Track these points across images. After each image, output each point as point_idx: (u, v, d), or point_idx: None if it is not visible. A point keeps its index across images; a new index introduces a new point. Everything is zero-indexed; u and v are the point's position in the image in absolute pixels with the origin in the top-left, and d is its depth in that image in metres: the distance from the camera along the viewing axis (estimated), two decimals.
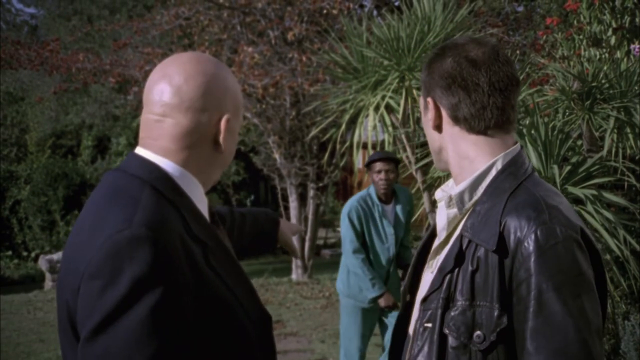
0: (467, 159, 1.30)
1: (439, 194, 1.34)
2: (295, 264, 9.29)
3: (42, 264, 9.72)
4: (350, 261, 4.06)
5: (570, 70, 3.35)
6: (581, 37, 3.54)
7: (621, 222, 2.94)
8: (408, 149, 4.41)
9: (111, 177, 1.22)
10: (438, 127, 1.33)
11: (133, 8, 15.87)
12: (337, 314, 7.00)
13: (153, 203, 1.14)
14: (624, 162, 3.10)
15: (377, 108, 4.16)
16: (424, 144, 4.11)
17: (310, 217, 9.47)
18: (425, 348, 1.24)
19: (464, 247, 1.24)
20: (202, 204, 1.25)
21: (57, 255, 9.69)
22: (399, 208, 4.18)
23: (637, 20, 3.64)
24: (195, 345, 1.12)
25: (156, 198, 1.15)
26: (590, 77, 3.16)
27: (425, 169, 4.21)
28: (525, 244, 1.16)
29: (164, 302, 1.06)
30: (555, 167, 2.94)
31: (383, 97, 4.13)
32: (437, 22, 4.14)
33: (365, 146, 5.56)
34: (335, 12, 7.63)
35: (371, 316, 4.15)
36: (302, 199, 9.53)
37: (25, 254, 11.95)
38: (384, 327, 4.21)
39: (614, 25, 3.62)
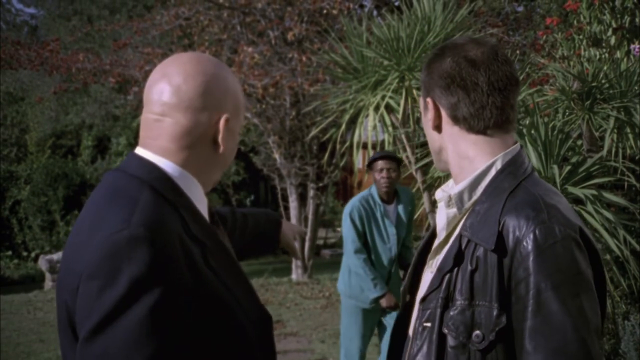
0: (466, 159, 1.30)
1: (439, 194, 1.35)
2: (295, 264, 9.29)
3: (42, 264, 9.72)
4: (352, 261, 4.05)
5: (570, 70, 3.35)
6: (581, 37, 3.54)
7: (621, 222, 2.94)
8: (408, 149, 4.41)
9: (111, 177, 1.22)
10: (438, 127, 1.33)
11: (133, 8, 15.87)
12: (337, 314, 7.00)
13: (152, 203, 1.14)
14: (624, 162, 3.10)
15: (377, 108, 4.16)
16: (424, 144, 4.11)
17: (310, 217, 9.47)
18: (424, 347, 1.24)
19: (463, 246, 1.24)
20: (201, 204, 1.25)
21: (57, 255, 9.69)
22: (400, 208, 4.17)
23: (637, 20, 3.64)
24: (194, 345, 1.12)
25: (155, 198, 1.15)
26: (590, 77, 3.16)
27: (425, 169, 4.21)
28: (524, 243, 1.16)
29: (162, 302, 1.06)
30: (555, 167, 2.94)
31: (383, 97, 4.13)
32: (437, 22, 4.14)
33: (365, 146, 5.57)
34: (335, 12, 7.63)
35: (372, 317, 4.14)
36: (302, 199, 9.53)
37: (25, 254, 11.95)
38: (382, 329, 4.20)
39: (614, 25, 3.62)
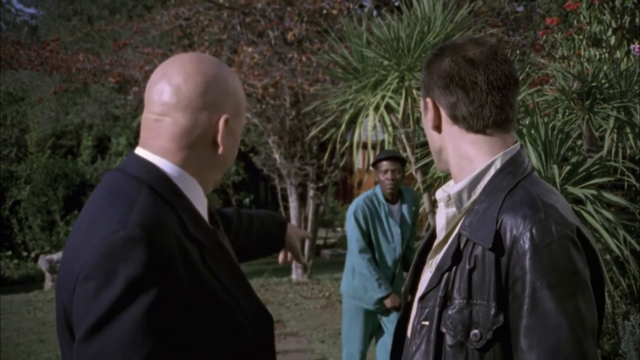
0: (466, 158, 1.30)
1: (439, 193, 1.35)
2: (295, 264, 9.29)
3: (42, 264, 9.72)
4: (356, 261, 4.03)
5: (570, 70, 3.35)
6: (581, 37, 3.54)
7: (621, 222, 2.94)
8: (408, 149, 4.40)
9: (111, 177, 1.23)
10: (438, 127, 1.33)
11: (133, 8, 15.88)
12: (337, 314, 6.99)
13: (149, 203, 1.14)
14: (624, 162, 3.10)
15: (377, 108, 4.16)
16: (424, 144, 4.11)
17: (310, 217, 9.47)
18: (423, 346, 1.25)
19: (461, 245, 1.24)
20: (200, 204, 1.25)
21: (57, 255, 9.69)
22: (405, 208, 4.15)
23: (637, 20, 3.64)
24: (191, 345, 1.12)
25: (153, 198, 1.15)
26: (590, 77, 3.16)
27: (425, 169, 4.21)
28: (521, 242, 1.16)
29: (159, 303, 1.06)
30: (555, 167, 2.94)
31: (383, 97, 4.13)
32: (437, 22, 4.14)
33: (365, 146, 5.57)
34: (335, 12, 7.63)
35: (373, 318, 4.13)
36: (302, 199, 9.54)
37: (25, 254, 11.95)
38: (380, 332, 4.19)
39: (614, 25, 3.62)
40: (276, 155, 9.17)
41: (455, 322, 1.20)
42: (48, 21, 17.85)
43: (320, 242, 12.58)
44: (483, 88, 1.26)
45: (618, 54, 3.58)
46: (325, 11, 7.86)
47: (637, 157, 3.35)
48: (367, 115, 4.25)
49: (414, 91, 4.05)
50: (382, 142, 4.45)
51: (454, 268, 1.23)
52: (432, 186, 4.14)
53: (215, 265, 1.20)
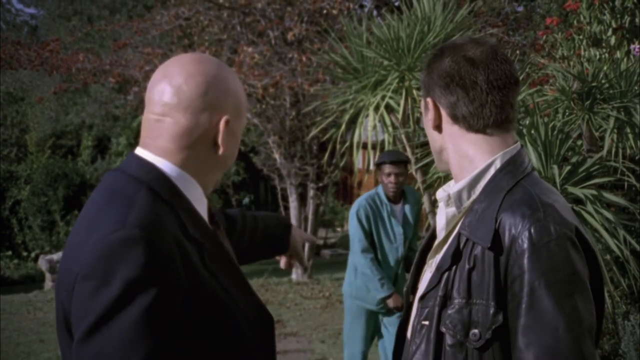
0: (466, 158, 1.30)
1: (440, 193, 1.35)
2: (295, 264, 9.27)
3: (42, 264, 9.72)
4: (358, 260, 4.01)
5: (570, 70, 3.35)
6: (581, 37, 3.54)
7: (621, 222, 2.94)
8: (408, 149, 4.41)
9: (110, 177, 1.23)
10: (438, 127, 1.33)
11: (133, 8, 15.88)
12: (337, 314, 7.00)
13: (148, 204, 1.14)
14: (624, 162, 3.10)
15: (377, 108, 4.16)
16: (424, 144, 4.11)
17: (310, 217, 9.47)
18: (423, 346, 1.25)
19: (461, 245, 1.24)
20: (200, 204, 1.25)
21: (57, 255, 9.69)
22: (407, 208, 4.14)
23: (637, 20, 3.64)
24: (190, 345, 1.12)
25: (152, 199, 1.15)
26: (590, 77, 3.16)
27: (425, 169, 4.21)
28: (519, 241, 1.16)
29: (157, 303, 1.06)
30: (555, 167, 2.94)
31: (383, 97, 4.13)
32: (437, 22, 4.14)
33: (365, 146, 5.57)
34: (335, 12, 7.63)
35: (375, 318, 4.12)
36: (302, 199, 9.54)
37: (25, 254, 11.95)
38: (381, 334, 4.18)
39: (614, 25, 3.62)
40: (276, 155, 9.17)
41: (455, 322, 1.20)
42: (48, 21, 17.85)
43: (320, 242, 12.58)
44: (483, 88, 1.26)
45: (618, 54, 3.58)
46: (325, 11, 7.86)
47: (637, 157, 3.35)
48: (367, 116, 4.25)
49: (414, 91, 4.05)
50: (382, 142, 4.45)
51: (454, 268, 1.24)
52: (432, 186, 4.14)
53: (215, 265, 1.20)
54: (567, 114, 3.21)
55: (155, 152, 1.22)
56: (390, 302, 3.96)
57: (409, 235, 4.14)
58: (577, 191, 2.87)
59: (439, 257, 1.32)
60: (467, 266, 1.21)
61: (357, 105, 4.34)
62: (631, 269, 3.05)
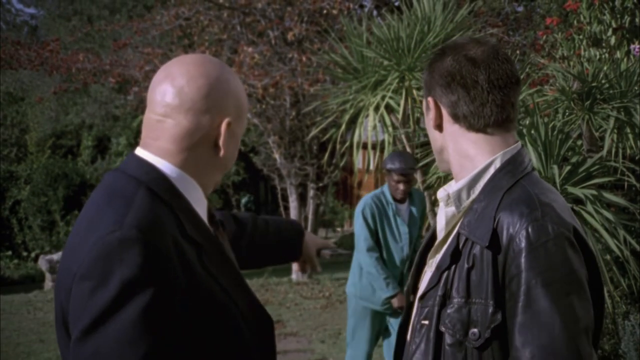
0: (467, 157, 1.30)
1: (440, 193, 1.35)
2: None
3: (42, 264, 9.72)
4: (363, 259, 3.99)
5: (570, 70, 3.35)
6: (581, 37, 3.54)
7: (621, 222, 2.94)
8: (408, 149, 4.41)
9: (110, 177, 1.23)
10: (439, 127, 1.33)
11: (133, 8, 15.89)
12: (337, 314, 7.00)
13: (146, 204, 1.14)
14: (624, 162, 3.10)
15: (377, 108, 4.16)
16: (424, 144, 4.11)
17: (310, 217, 9.48)
18: (422, 345, 1.25)
19: (460, 245, 1.24)
20: (200, 205, 1.25)
21: (57, 255, 9.69)
22: (413, 207, 4.12)
23: (637, 20, 3.64)
24: (188, 345, 1.12)
25: (150, 199, 1.15)
26: (590, 77, 3.16)
27: (425, 169, 4.21)
28: (517, 240, 1.16)
29: (154, 303, 1.06)
30: (555, 167, 2.94)
31: (383, 97, 4.13)
32: (437, 22, 4.14)
33: (365, 146, 5.57)
34: (335, 12, 7.64)
35: (380, 318, 4.10)
36: (302, 199, 9.54)
37: (25, 254, 11.96)
38: (387, 333, 4.16)
39: (614, 25, 3.62)
40: (276, 155, 9.18)
41: (454, 321, 1.21)
42: (48, 21, 17.86)
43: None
44: (484, 87, 1.26)
45: (618, 54, 3.58)
46: (325, 11, 7.87)
47: (637, 157, 3.35)
48: (367, 116, 4.25)
49: (414, 91, 4.06)
50: (382, 142, 4.45)
51: (453, 267, 1.24)
52: (431, 186, 4.14)
53: (213, 266, 1.20)
54: (567, 114, 3.21)
55: (155, 153, 1.22)
56: (395, 302, 3.94)
57: (415, 234, 4.12)
58: (577, 191, 2.87)
59: (438, 256, 1.33)
60: (466, 265, 1.21)
61: (357, 105, 4.34)
62: (631, 269, 3.05)
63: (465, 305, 1.20)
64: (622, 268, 3.32)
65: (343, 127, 4.54)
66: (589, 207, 2.83)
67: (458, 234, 1.26)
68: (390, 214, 4.04)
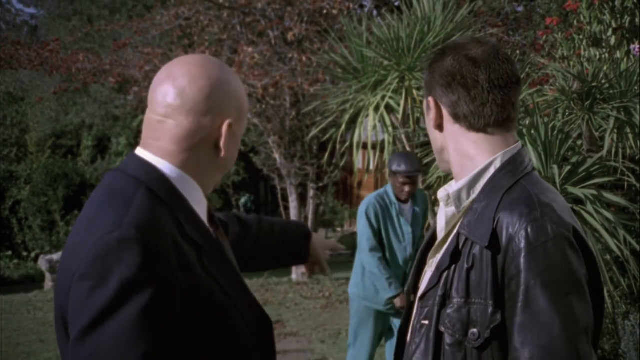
0: (467, 157, 1.30)
1: (441, 193, 1.35)
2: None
3: (42, 264, 9.72)
4: (366, 259, 3.98)
5: (570, 70, 3.35)
6: (581, 37, 3.54)
7: (621, 222, 2.95)
8: (408, 149, 4.41)
9: (110, 177, 1.23)
10: (439, 127, 1.33)
11: (133, 8, 15.88)
12: (337, 314, 7.00)
13: (146, 204, 1.14)
14: (624, 162, 3.10)
15: (377, 108, 4.17)
16: (424, 144, 4.11)
17: (310, 217, 9.48)
18: (422, 345, 1.25)
19: (460, 245, 1.24)
20: (200, 206, 1.25)
21: (57, 256, 9.69)
22: (416, 208, 4.12)
23: (637, 20, 3.64)
24: (187, 345, 1.12)
25: (150, 199, 1.16)
26: (590, 77, 3.16)
27: (425, 169, 4.21)
28: (516, 240, 1.16)
29: (153, 303, 1.06)
30: (555, 167, 2.94)
31: (383, 97, 4.14)
32: (437, 22, 4.15)
33: (365, 146, 5.57)
34: (335, 12, 7.64)
35: (384, 319, 4.10)
36: (302, 199, 9.54)
37: (25, 254, 11.95)
38: (390, 334, 4.15)
39: (614, 25, 3.62)
40: (276, 155, 9.17)
41: (454, 321, 1.21)
42: (48, 21, 17.86)
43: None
44: (484, 87, 1.26)
45: (618, 54, 3.58)
46: (325, 11, 7.87)
47: (637, 157, 3.35)
48: (367, 116, 4.25)
49: (414, 91, 4.06)
50: (382, 142, 4.45)
51: (453, 267, 1.24)
52: (431, 186, 4.14)
53: (213, 266, 1.20)
54: (567, 114, 3.21)
55: (156, 153, 1.22)
56: (398, 302, 3.93)
57: (418, 234, 4.11)
58: (577, 191, 2.87)
59: (439, 256, 1.33)
60: (465, 265, 1.21)
61: (357, 105, 4.34)
62: (631, 269, 3.05)
63: (465, 306, 1.20)
64: (622, 268, 3.32)
65: (343, 127, 4.55)
66: (589, 207, 2.84)
67: (458, 234, 1.26)
68: (394, 213, 4.03)
